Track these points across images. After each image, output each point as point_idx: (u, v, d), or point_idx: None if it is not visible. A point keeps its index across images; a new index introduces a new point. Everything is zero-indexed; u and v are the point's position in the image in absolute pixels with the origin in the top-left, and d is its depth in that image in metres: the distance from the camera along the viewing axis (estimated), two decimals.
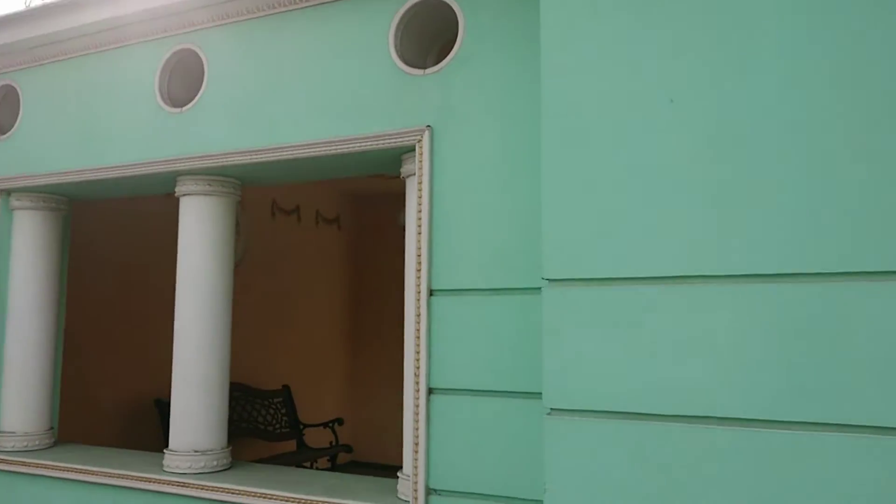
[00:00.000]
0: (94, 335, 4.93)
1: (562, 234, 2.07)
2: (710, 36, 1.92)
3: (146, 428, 5.33)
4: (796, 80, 1.82)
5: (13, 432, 3.68)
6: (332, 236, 7.80)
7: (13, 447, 3.65)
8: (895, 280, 1.71)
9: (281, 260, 6.84)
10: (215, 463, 3.22)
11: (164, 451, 3.26)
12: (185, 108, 3.30)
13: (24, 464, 3.53)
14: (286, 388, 6.68)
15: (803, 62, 1.82)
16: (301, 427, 6.65)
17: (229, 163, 3.14)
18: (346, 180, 7.19)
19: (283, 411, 6.58)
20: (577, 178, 2.07)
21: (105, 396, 5.13)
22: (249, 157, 3.09)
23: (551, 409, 2.04)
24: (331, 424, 6.77)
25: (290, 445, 6.55)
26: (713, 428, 1.84)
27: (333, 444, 6.71)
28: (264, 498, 2.90)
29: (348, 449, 6.71)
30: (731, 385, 1.84)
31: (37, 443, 3.72)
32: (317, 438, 6.73)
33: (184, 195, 3.35)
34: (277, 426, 6.46)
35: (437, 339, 2.66)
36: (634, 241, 1.98)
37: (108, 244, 5.11)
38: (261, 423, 6.28)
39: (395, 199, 7.28)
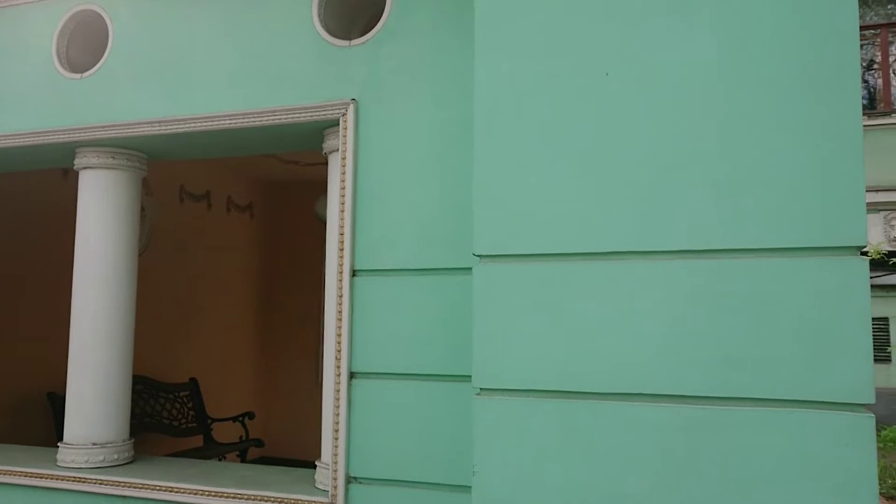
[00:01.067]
0: None
1: (493, 209, 2.01)
2: (641, 5, 1.90)
3: (36, 425, 4.95)
4: (731, 48, 1.82)
5: None
6: (244, 224, 7.51)
7: None
8: (816, 256, 1.75)
9: (189, 248, 6.52)
10: (116, 456, 3.00)
11: (59, 444, 3.01)
12: (86, 74, 3.05)
13: None
14: (193, 381, 6.37)
15: (738, 29, 1.82)
16: (209, 421, 6.36)
17: (134, 133, 2.92)
18: (260, 167, 6.95)
19: (190, 405, 6.27)
20: (510, 154, 2.01)
21: None
22: (157, 127, 2.88)
23: (480, 388, 1.99)
24: (241, 418, 6.51)
25: (197, 441, 6.25)
26: (644, 404, 1.82)
27: (244, 438, 6.46)
28: (171, 492, 2.71)
29: (259, 443, 6.47)
30: (660, 361, 1.83)
31: None
32: (226, 433, 6.45)
33: (84, 168, 3.10)
34: (183, 421, 6.15)
35: (359, 322, 2.56)
36: (566, 217, 1.94)
37: None
38: (165, 418, 5.97)
39: (311, 188, 7.10)
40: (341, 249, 2.59)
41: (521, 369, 1.94)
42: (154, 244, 5.78)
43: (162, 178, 5.81)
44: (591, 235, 1.92)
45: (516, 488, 1.92)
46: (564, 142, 1.95)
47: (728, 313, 1.79)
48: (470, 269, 2.39)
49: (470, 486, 2.29)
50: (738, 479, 1.75)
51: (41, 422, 4.96)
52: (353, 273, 2.58)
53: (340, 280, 2.57)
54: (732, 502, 1.75)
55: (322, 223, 7.31)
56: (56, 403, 4.92)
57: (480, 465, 1.95)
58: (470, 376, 2.34)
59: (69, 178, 4.88)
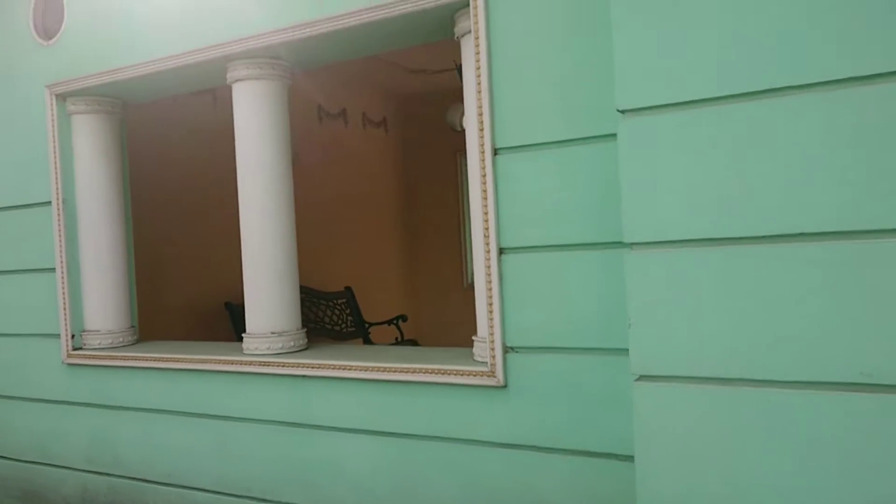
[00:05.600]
0: (162, 242, 5.04)
1: (634, 57, 1.96)
2: None
3: (217, 329, 5.50)
4: None
5: (97, 330, 3.82)
6: (379, 139, 7.73)
7: (99, 344, 3.81)
8: None
9: (332, 165, 6.83)
10: (292, 343, 3.29)
11: (243, 335, 3.34)
12: None
13: (111, 357, 3.67)
14: (348, 289, 6.79)
15: None
16: (366, 325, 6.79)
17: (278, 40, 3.06)
18: (391, 80, 7.10)
19: (348, 311, 6.71)
20: (647, 5, 1.94)
21: (176, 300, 5.29)
22: (298, 32, 3.01)
23: (632, 244, 1.99)
24: (395, 321, 6.90)
25: (358, 343, 6.71)
26: (810, 244, 1.76)
27: (399, 340, 6.86)
28: (343, 369, 2.97)
29: (414, 344, 6.84)
30: (828, 196, 1.74)
31: (121, 339, 3.86)
32: (383, 336, 6.88)
33: (236, 81, 3.31)
34: (344, 325, 6.61)
35: (504, 198, 2.61)
36: (708, 60, 1.86)
37: (165, 150, 5.15)
38: (328, 323, 6.43)
39: (441, 97, 7.18)
40: (481, 130, 2.62)
41: (671, 220, 1.92)
42: (299, 164, 6.08)
43: (300, 100, 6.05)
44: (742, 74, 1.83)
45: (674, 338, 1.93)
46: None
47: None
48: (611, 135, 2.37)
49: (623, 349, 2.35)
50: None
51: (222, 327, 5.51)
52: (495, 152, 2.62)
53: (482, 159, 2.62)
54: None
55: (454, 131, 7.38)
56: (232, 311, 5.44)
57: (636, 318, 1.98)
58: (619, 243, 2.36)
59: (219, 104, 5.22)
